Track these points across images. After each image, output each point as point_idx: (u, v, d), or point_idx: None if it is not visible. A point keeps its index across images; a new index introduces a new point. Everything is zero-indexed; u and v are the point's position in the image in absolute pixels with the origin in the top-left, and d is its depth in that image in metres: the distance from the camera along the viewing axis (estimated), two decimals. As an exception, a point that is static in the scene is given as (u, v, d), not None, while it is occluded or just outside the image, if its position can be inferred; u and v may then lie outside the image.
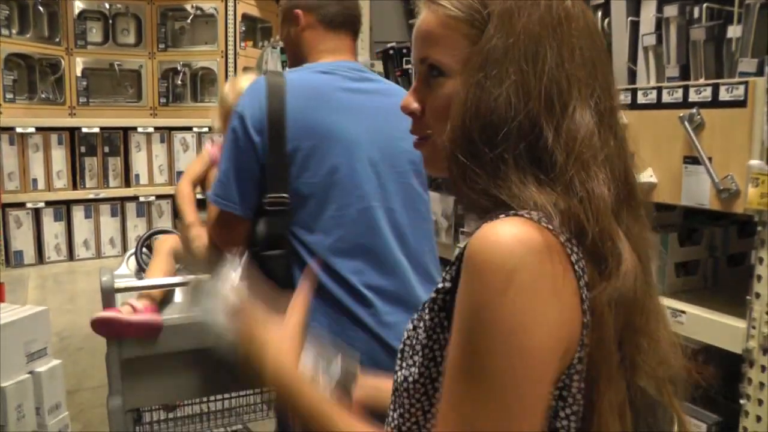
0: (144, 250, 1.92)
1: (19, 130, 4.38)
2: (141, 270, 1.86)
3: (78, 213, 4.69)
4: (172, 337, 1.60)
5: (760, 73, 1.16)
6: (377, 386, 0.89)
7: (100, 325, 1.49)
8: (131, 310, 1.52)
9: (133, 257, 1.92)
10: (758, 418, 1.12)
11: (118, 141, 4.81)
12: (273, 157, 1.35)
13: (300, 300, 0.88)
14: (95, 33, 4.91)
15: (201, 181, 2.15)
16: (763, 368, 1.12)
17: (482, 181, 0.63)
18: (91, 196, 4.71)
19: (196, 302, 0.93)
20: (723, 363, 1.19)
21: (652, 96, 1.30)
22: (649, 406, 0.69)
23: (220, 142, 1.68)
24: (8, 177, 4.39)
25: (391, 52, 2.35)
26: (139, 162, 4.89)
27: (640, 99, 1.32)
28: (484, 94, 0.64)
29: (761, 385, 1.12)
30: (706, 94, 1.19)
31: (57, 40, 4.70)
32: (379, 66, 2.52)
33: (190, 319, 1.59)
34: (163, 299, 1.64)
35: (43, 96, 4.69)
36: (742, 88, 1.14)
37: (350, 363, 0.90)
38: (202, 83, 5.12)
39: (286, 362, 0.80)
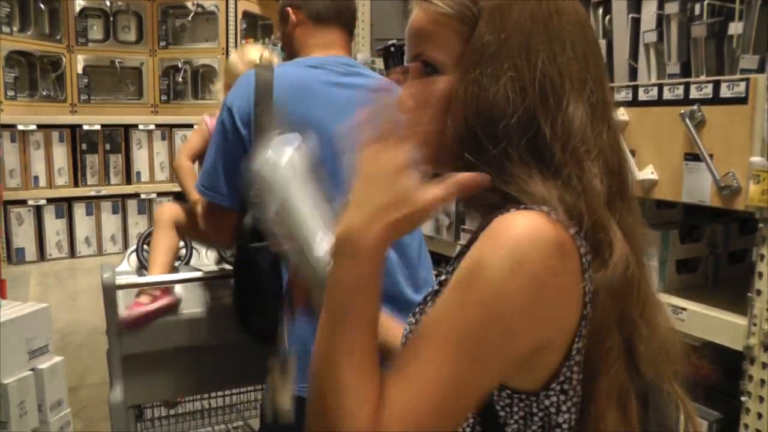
0: (145, 247, 1.92)
1: (20, 127, 4.36)
2: (142, 267, 1.87)
3: (79, 210, 4.68)
4: (173, 334, 1.61)
5: (761, 69, 1.16)
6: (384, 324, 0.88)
7: (133, 323, 1.62)
8: (151, 299, 1.68)
9: (135, 254, 1.93)
10: (759, 415, 1.12)
11: (119, 138, 4.80)
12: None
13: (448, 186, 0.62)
14: (96, 30, 4.90)
15: (200, 156, 2.06)
16: (764, 365, 1.12)
17: (490, 177, 0.64)
18: (93, 194, 4.70)
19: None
20: (724, 360, 1.20)
21: (653, 93, 1.29)
22: (655, 394, 0.70)
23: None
24: (9, 174, 4.38)
25: (391, 49, 2.35)
26: (140, 159, 4.88)
27: (641, 96, 1.31)
28: (483, 91, 0.64)
29: (762, 382, 1.12)
30: (707, 91, 1.19)
31: (58, 37, 4.69)
32: (379, 63, 2.52)
33: (191, 316, 1.62)
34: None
35: (45, 93, 4.68)
36: (743, 85, 1.13)
37: None
38: (203, 81, 5.10)
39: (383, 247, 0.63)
